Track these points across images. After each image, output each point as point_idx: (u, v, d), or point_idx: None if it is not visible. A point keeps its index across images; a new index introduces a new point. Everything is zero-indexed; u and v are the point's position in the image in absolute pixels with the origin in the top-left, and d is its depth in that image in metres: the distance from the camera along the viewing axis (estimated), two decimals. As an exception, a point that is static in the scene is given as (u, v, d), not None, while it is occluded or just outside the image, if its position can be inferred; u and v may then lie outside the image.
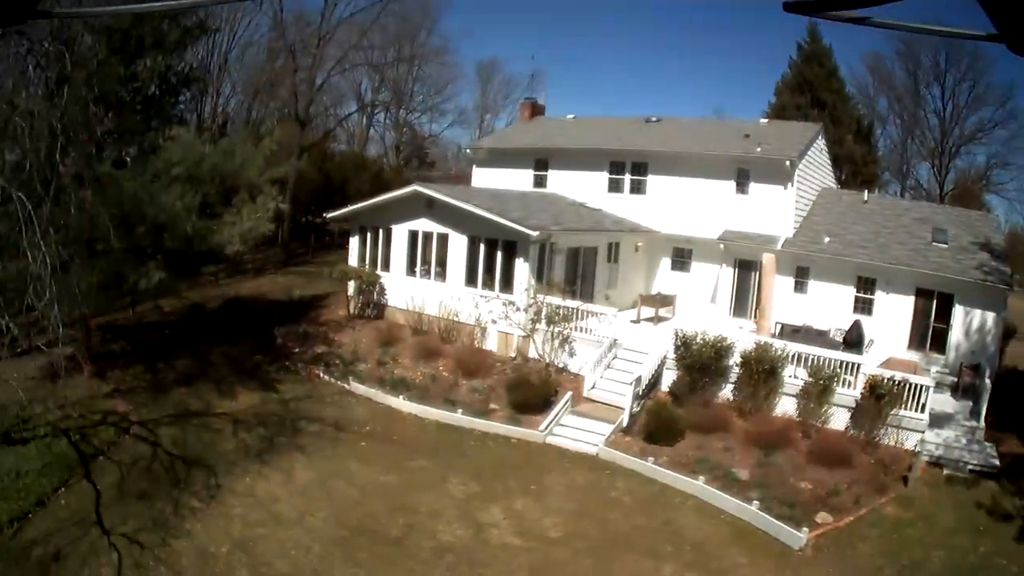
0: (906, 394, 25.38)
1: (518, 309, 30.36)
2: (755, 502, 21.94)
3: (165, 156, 28.03)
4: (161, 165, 27.72)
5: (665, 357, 28.87)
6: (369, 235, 37.27)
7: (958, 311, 32.68)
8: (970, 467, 24.17)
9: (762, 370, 26.62)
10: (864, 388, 25.83)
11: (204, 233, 28.36)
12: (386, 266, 36.58)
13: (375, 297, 36.95)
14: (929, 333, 33.59)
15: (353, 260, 38.04)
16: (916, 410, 25.36)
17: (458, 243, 33.81)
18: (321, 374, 31.26)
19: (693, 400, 26.99)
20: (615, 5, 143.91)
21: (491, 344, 32.60)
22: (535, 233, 30.57)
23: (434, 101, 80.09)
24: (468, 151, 52.10)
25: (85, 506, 20.63)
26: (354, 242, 38.14)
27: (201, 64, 45.78)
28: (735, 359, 27.61)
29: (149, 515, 20.44)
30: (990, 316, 32.12)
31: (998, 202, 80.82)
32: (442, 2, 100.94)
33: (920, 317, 33.83)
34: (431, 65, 76.21)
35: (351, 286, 37.29)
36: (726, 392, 27.97)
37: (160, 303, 37.83)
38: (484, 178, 45.58)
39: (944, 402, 28.28)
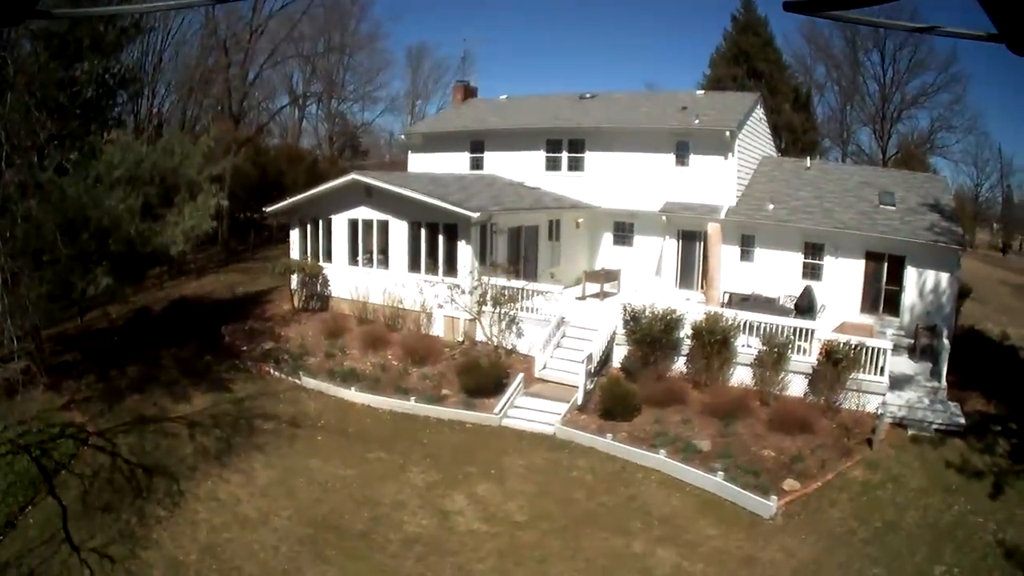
0: (864, 358, 25.18)
1: (463, 292, 30.08)
2: (719, 472, 21.67)
3: (106, 159, 27.46)
4: (102, 168, 27.13)
5: (615, 333, 28.53)
6: (309, 227, 36.83)
7: (910, 273, 32.48)
8: (935, 426, 23.98)
9: (714, 341, 26.32)
10: (820, 354, 25.60)
11: (148, 235, 27.70)
12: (328, 257, 36.14)
13: (319, 289, 36.56)
14: (882, 296, 33.42)
15: (295, 253, 37.59)
16: (875, 373, 25.19)
17: (399, 229, 33.40)
18: (271, 370, 30.75)
19: (646, 374, 26.69)
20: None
21: (438, 329, 32.24)
22: (476, 215, 30.22)
23: (366, 90, 79.80)
24: (403, 137, 51.69)
25: (53, 523, 20.26)
26: (295, 235, 37.71)
27: (136, 64, 45.08)
28: (686, 331, 27.33)
29: (116, 527, 20.17)
30: (944, 276, 31.92)
31: (944, 164, 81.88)
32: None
33: (871, 280, 33.64)
34: (362, 54, 76.07)
35: (294, 279, 36.83)
36: (679, 365, 27.72)
37: (107, 310, 37.58)
38: (420, 163, 45.22)
39: (902, 364, 28.12)
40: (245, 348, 32.85)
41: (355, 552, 19.18)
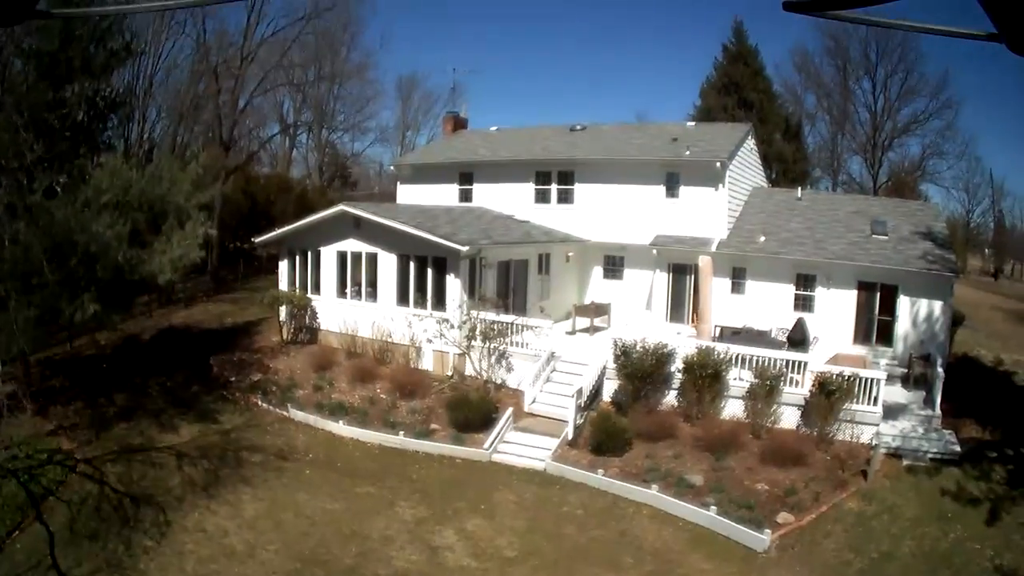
0: (857, 388, 25.00)
1: (452, 326, 29.83)
2: (712, 507, 21.42)
3: (94, 183, 27.29)
4: (91, 193, 26.98)
5: (605, 367, 28.32)
6: (298, 258, 36.61)
7: (903, 302, 32.40)
8: (930, 455, 23.87)
9: (706, 375, 26.13)
10: (813, 385, 25.44)
11: (135, 262, 27.46)
12: (316, 289, 35.89)
13: (307, 321, 36.32)
14: (875, 326, 33.30)
15: (283, 284, 37.34)
16: (869, 403, 25.02)
17: (388, 262, 33.20)
18: (259, 402, 30.55)
19: (637, 408, 26.50)
20: (533, 14, 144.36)
21: (427, 364, 31.98)
22: (465, 248, 30.01)
23: (355, 119, 79.38)
24: (392, 168, 51.56)
25: (40, 548, 19.89)
26: (283, 266, 37.48)
27: (127, 88, 44.97)
28: (677, 365, 27.11)
29: (103, 556, 19.92)
30: (937, 305, 31.84)
31: (935, 191, 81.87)
32: (362, 18, 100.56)
33: (864, 311, 33.53)
34: (352, 83, 75.69)
35: (283, 311, 36.57)
36: (670, 399, 27.52)
37: (96, 336, 37.25)
38: (409, 195, 44.99)
39: (896, 394, 27.99)
40: (233, 379, 32.61)
41: (343, 588, 18.83)
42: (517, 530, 21.23)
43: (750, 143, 41.45)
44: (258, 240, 38.53)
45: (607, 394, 28.43)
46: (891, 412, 25.83)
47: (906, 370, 30.15)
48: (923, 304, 32.09)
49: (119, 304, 30.60)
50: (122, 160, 29.36)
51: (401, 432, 27.12)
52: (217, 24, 58.34)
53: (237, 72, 54.03)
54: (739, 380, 26.74)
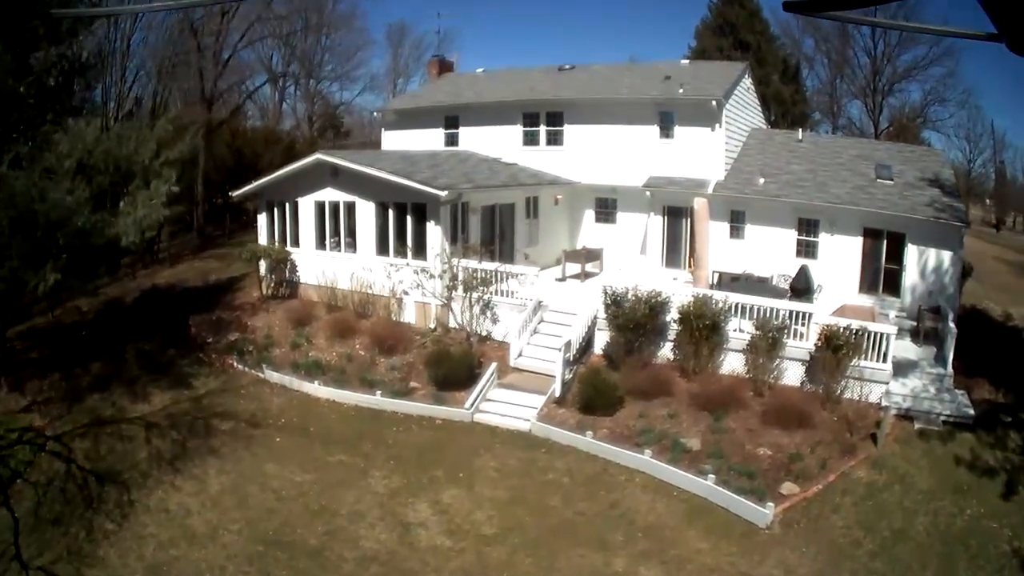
0: (866, 343, 23.39)
1: (432, 276, 28.48)
2: (710, 475, 19.80)
3: (57, 149, 26.14)
4: (54, 159, 25.91)
5: (596, 317, 26.79)
6: (276, 211, 35.33)
7: (911, 251, 30.85)
8: (943, 418, 22.38)
9: (703, 326, 24.47)
10: (819, 339, 23.79)
11: (101, 226, 26.16)
12: (296, 242, 34.64)
13: (287, 275, 35.05)
14: (881, 275, 31.79)
15: (263, 238, 36.07)
16: (878, 360, 23.40)
17: (366, 211, 31.79)
18: (235, 363, 29.39)
19: (630, 362, 24.94)
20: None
21: (409, 316, 30.64)
22: (444, 193, 28.48)
23: (344, 69, 78.38)
24: (376, 115, 49.81)
25: (5, 536, 18.62)
26: (262, 219, 36.17)
27: (98, 51, 43.80)
28: (672, 315, 25.54)
29: (65, 542, 18.74)
30: (946, 255, 30.26)
31: (936, 139, 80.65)
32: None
33: (870, 259, 32.00)
34: (340, 33, 74.49)
35: (263, 266, 35.35)
36: (665, 351, 26.00)
37: (79, 303, 36.42)
38: (394, 142, 43.67)
39: (905, 348, 26.33)
40: (211, 340, 31.42)
41: (306, 573, 17.48)
42: (497, 502, 19.71)
43: (747, 82, 39.90)
44: (236, 193, 37.20)
45: (598, 346, 26.94)
46: (900, 369, 24.22)
47: (915, 323, 28.58)
48: (931, 254, 30.60)
49: (85, 271, 29.66)
50: (86, 123, 28.03)
51: (379, 392, 25.72)
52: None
53: (218, 27, 52.78)
54: (739, 332, 25.18)
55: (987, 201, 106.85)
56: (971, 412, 22.44)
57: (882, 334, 23.48)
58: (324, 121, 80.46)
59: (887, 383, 23.34)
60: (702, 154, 34.29)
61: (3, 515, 19.41)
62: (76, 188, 25.08)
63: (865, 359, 23.41)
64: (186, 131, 42.85)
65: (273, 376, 28.09)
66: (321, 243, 33.83)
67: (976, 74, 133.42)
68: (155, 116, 43.25)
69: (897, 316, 29.41)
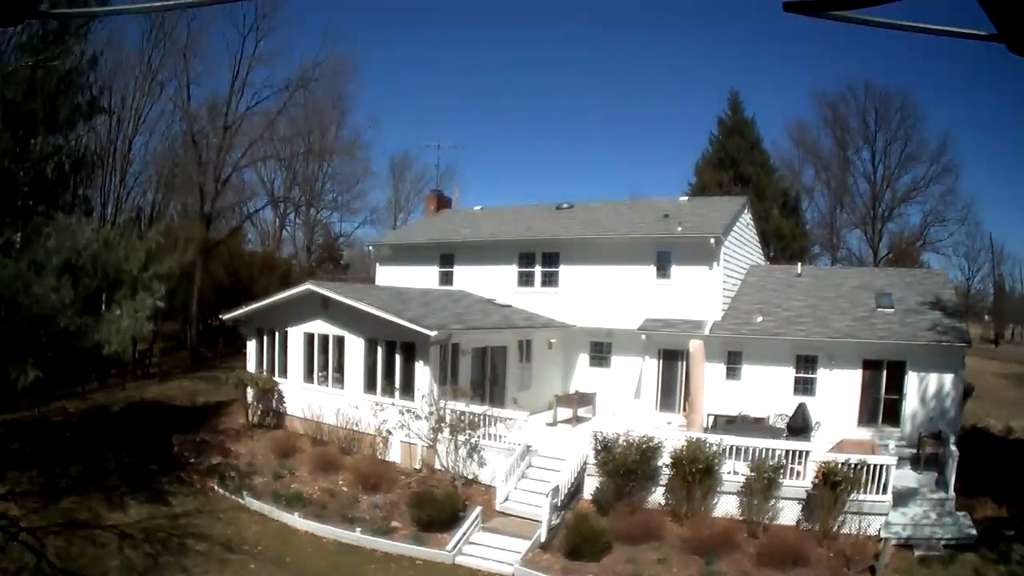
0: (865, 476, 23.05)
1: (418, 417, 27.95)
2: (699, 625, 19.07)
3: (49, 243, 26.24)
4: (42, 254, 25.92)
5: (585, 462, 26.25)
6: (266, 338, 35.29)
7: (911, 378, 30.58)
8: (944, 543, 21.99)
9: (696, 470, 23.95)
10: (816, 476, 23.34)
11: (85, 331, 26.11)
12: (283, 372, 34.45)
13: (274, 405, 34.72)
14: (880, 406, 31.36)
15: (251, 365, 36.06)
16: (878, 492, 23.09)
17: (355, 346, 31.61)
18: (215, 487, 29.11)
19: (620, 508, 24.31)
20: (524, 94, 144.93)
21: (394, 455, 30.08)
22: (434, 333, 28.22)
23: (345, 199, 78.93)
24: (371, 248, 49.74)
25: None
26: (251, 346, 36.15)
27: (104, 149, 44.13)
28: (664, 459, 24.95)
29: None
30: (948, 378, 30.02)
31: (936, 260, 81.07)
32: (351, 95, 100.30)
33: (869, 390, 31.58)
34: (342, 161, 74.88)
35: (250, 393, 34.96)
36: (657, 496, 25.33)
37: (66, 404, 36.96)
38: (389, 276, 43.59)
39: (906, 477, 25.98)
40: (193, 460, 31.38)
41: None
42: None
43: (746, 217, 39.94)
44: (226, 316, 37.21)
45: (588, 491, 26.28)
46: (901, 498, 23.84)
47: (915, 450, 28.30)
48: (932, 379, 30.30)
49: (69, 373, 29.52)
50: (77, 221, 27.91)
51: (359, 528, 25.14)
52: (203, 92, 57.70)
53: (220, 142, 53.03)
54: (734, 474, 24.64)
55: (986, 317, 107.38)
56: (973, 532, 22.23)
57: (882, 466, 23.21)
58: (323, 252, 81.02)
59: (887, 514, 22.96)
60: (699, 294, 34.01)
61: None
62: (61, 287, 25.04)
63: (864, 492, 23.06)
64: (180, 245, 42.97)
65: (253, 504, 27.67)
66: (309, 376, 33.55)
67: (976, 188, 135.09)
68: (151, 225, 43.43)
69: (897, 445, 29.07)
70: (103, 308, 27.79)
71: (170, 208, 58.23)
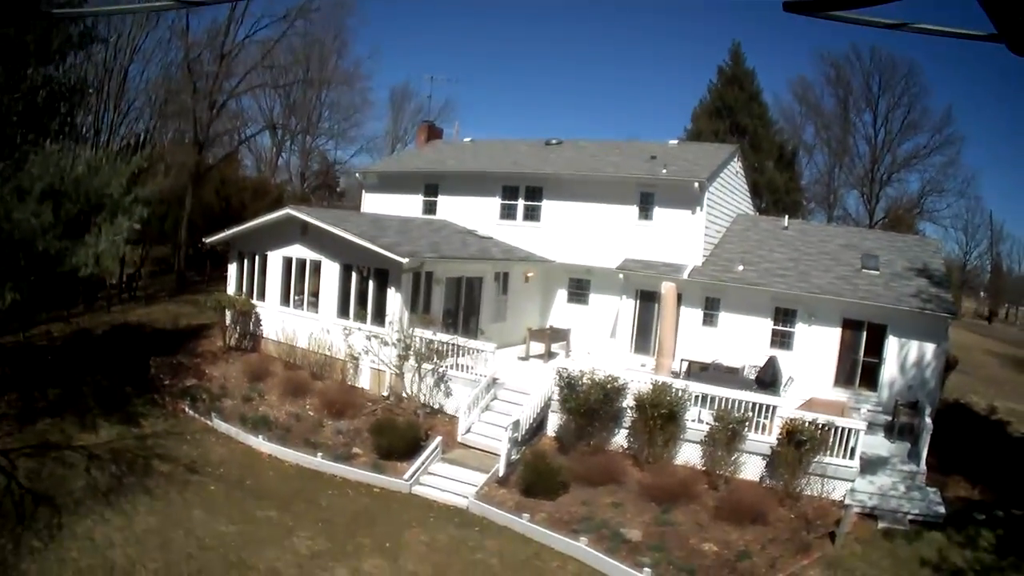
0: (832, 438, 22.65)
1: (386, 343, 27.95)
2: (646, 568, 18.82)
3: (33, 170, 25.82)
4: (27, 180, 25.53)
5: (550, 398, 26.13)
6: (247, 262, 35.15)
7: (892, 343, 30.18)
8: (910, 517, 21.48)
9: (659, 414, 23.65)
10: (781, 433, 22.99)
11: (63, 254, 25.83)
12: (262, 295, 34.38)
13: (251, 328, 34.77)
14: (859, 368, 31.03)
15: (231, 288, 36.03)
16: (844, 456, 22.63)
17: (331, 271, 31.55)
18: (187, 409, 29.18)
19: (581, 447, 24.29)
20: (533, 31, 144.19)
21: (364, 382, 30.13)
22: (406, 260, 28.07)
23: (342, 127, 78.26)
24: (358, 175, 49.50)
25: None
26: (232, 269, 36.08)
27: (99, 77, 43.80)
28: (628, 401, 24.74)
29: None
30: (929, 348, 29.61)
31: (932, 230, 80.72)
32: (351, 28, 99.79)
33: (848, 351, 31.26)
34: (341, 90, 74.45)
35: (228, 316, 35.07)
36: (620, 439, 25.20)
37: (50, 327, 37.23)
38: (374, 204, 43.41)
39: (878, 444, 25.80)
40: (168, 383, 31.37)
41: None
42: (419, 576, 18.92)
43: (736, 166, 39.59)
44: (209, 240, 37.21)
45: (551, 429, 26.22)
46: (870, 466, 23.50)
47: (890, 418, 27.98)
48: (914, 346, 29.88)
49: (49, 298, 29.46)
50: (62, 148, 27.74)
51: (320, 454, 25.18)
52: (202, 21, 57.25)
53: (216, 69, 52.67)
54: (698, 422, 24.36)
55: (981, 294, 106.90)
56: (942, 511, 21.66)
57: (850, 429, 22.74)
58: (319, 179, 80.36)
59: (853, 480, 22.54)
60: (681, 238, 33.74)
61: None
62: (42, 212, 24.89)
63: (830, 455, 22.64)
64: (169, 168, 42.73)
65: (221, 426, 27.80)
66: (286, 299, 33.58)
67: (977, 163, 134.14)
68: (142, 150, 43.17)
69: (871, 410, 28.76)
70: (85, 234, 27.76)
71: (165, 135, 57.69)
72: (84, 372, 31.28)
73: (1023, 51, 2.45)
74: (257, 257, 34.44)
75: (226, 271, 37.66)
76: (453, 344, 28.12)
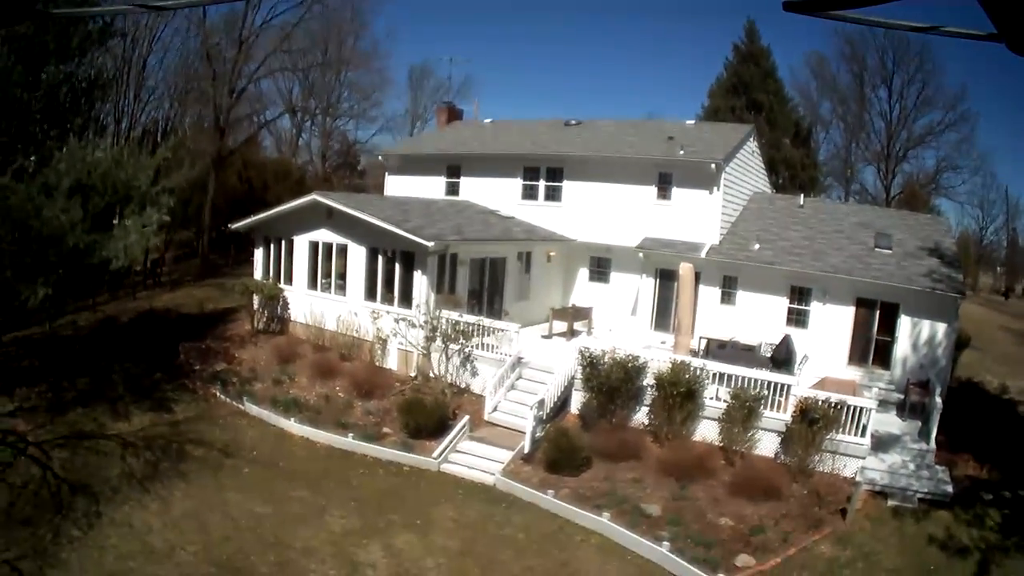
0: (844, 417, 23.13)
1: (413, 325, 28.56)
2: (665, 542, 19.52)
3: (58, 167, 26.20)
4: (53, 177, 25.90)
5: (574, 376, 26.69)
6: (272, 247, 35.65)
7: (904, 322, 30.56)
8: (919, 496, 21.89)
9: (678, 392, 24.25)
10: (795, 411, 23.53)
11: (94, 247, 26.34)
12: (289, 279, 34.89)
13: (279, 311, 35.26)
14: (872, 346, 31.38)
15: (258, 273, 36.46)
16: (856, 434, 23.11)
17: (358, 255, 32.06)
18: (217, 393, 29.53)
19: (603, 424, 24.85)
20: (549, 8, 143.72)
21: (392, 363, 30.70)
22: (432, 243, 28.63)
23: (362, 107, 77.88)
24: (380, 158, 49.87)
25: None
26: (258, 254, 36.53)
27: (107, 71, 44.08)
28: (648, 380, 25.35)
29: (31, 542, 18.89)
30: (941, 327, 29.96)
31: (948, 206, 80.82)
32: (369, 10, 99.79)
33: (861, 329, 31.63)
34: (360, 71, 74.32)
35: (255, 300, 35.47)
36: (641, 415, 25.74)
37: (76, 317, 37.28)
38: (397, 186, 43.82)
39: (889, 422, 26.20)
40: (197, 368, 31.67)
41: (253, 598, 17.53)
42: (449, 551, 19.61)
43: (751, 145, 39.86)
44: (234, 226, 37.44)
45: (575, 406, 26.79)
46: (881, 444, 23.92)
47: (902, 396, 28.30)
48: (925, 325, 30.21)
49: (78, 289, 29.90)
50: (88, 143, 28.22)
51: (351, 434, 25.78)
52: (221, 7, 57.43)
53: (235, 55, 53.09)
54: (716, 399, 24.94)
55: (997, 269, 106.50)
56: (949, 489, 21.99)
57: (861, 408, 23.19)
58: (339, 158, 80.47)
59: (864, 458, 22.94)
60: (698, 217, 34.17)
61: (-25, 511, 19.78)
62: (71, 208, 25.24)
63: (842, 433, 23.08)
64: (192, 157, 43.16)
65: (252, 409, 28.19)
66: (313, 283, 34.04)
67: (992, 140, 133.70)
68: (166, 140, 43.54)
69: (884, 388, 29.18)
70: (114, 224, 28.17)
71: (185, 121, 58.05)
72: (112, 360, 31.51)
73: (1023, 51, 2.45)
74: (283, 241, 34.89)
75: (250, 254, 38.13)
76: (479, 324, 28.59)
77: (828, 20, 2.62)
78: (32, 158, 26.97)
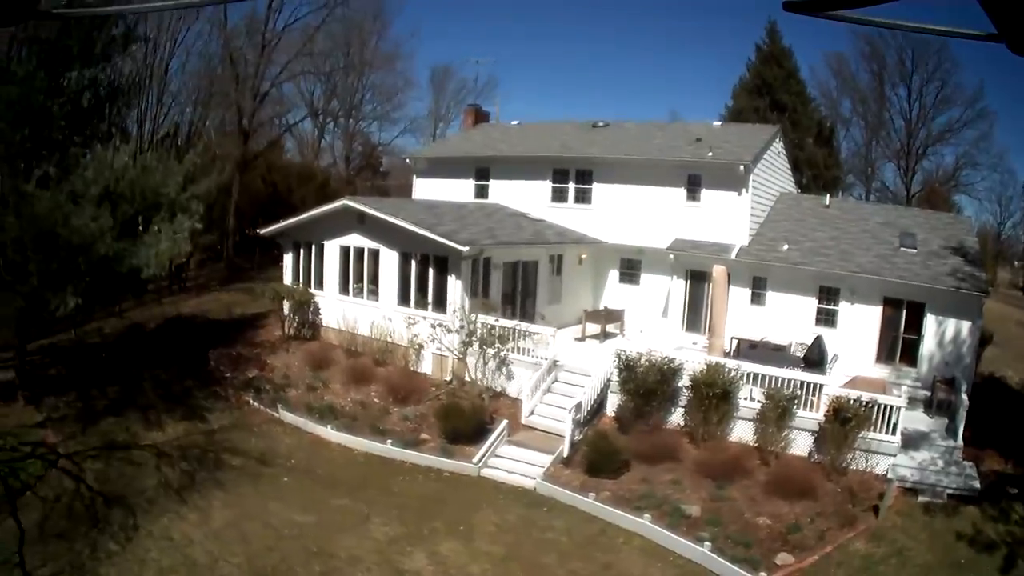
0: (875, 415, 23.22)
1: (449, 330, 28.64)
2: (706, 543, 19.72)
3: (85, 175, 26.50)
4: (79, 184, 26.17)
5: (609, 379, 26.79)
6: (303, 251, 35.75)
7: (930, 321, 30.61)
8: (948, 492, 22.11)
9: (713, 394, 24.41)
10: (828, 411, 23.63)
11: (124, 255, 26.53)
12: (320, 284, 35.01)
13: (310, 317, 35.26)
14: (899, 345, 31.47)
15: (288, 278, 36.51)
16: (886, 432, 23.24)
17: (390, 259, 32.14)
18: (251, 401, 29.65)
19: (640, 427, 25.00)
20: (568, 7, 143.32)
21: (426, 367, 30.82)
22: (466, 248, 28.73)
23: (384, 109, 77.79)
24: (408, 161, 49.95)
25: (10, 546, 18.80)
26: (288, 259, 36.60)
27: (131, 76, 44.13)
28: (684, 381, 25.51)
29: (68, 558, 18.79)
30: (965, 325, 30.01)
31: (967, 203, 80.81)
32: (391, 10, 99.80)
33: (888, 328, 31.72)
34: (382, 72, 74.15)
35: (286, 306, 35.55)
36: (676, 417, 25.91)
37: (102, 324, 37.14)
38: (425, 189, 43.77)
39: (917, 420, 26.38)
40: (228, 375, 31.75)
41: (300, 611, 17.62)
42: (493, 557, 19.76)
43: (777, 146, 39.92)
44: (264, 231, 37.53)
45: (611, 409, 26.91)
46: (911, 441, 24.09)
47: (929, 394, 28.45)
48: (950, 324, 30.26)
49: (107, 297, 29.95)
50: (114, 150, 28.28)
51: (389, 440, 25.88)
52: (241, 10, 57.53)
53: (257, 59, 53.21)
54: (750, 400, 25.11)
55: (1015, 264, 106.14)
56: (977, 485, 22.23)
57: (891, 407, 23.32)
58: (363, 160, 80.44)
59: (894, 455, 23.11)
60: (727, 219, 34.25)
61: (10, 526, 19.61)
62: (100, 215, 25.44)
63: (873, 431, 23.22)
64: (218, 162, 43.23)
65: (287, 417, 28.28)
66: (344, 288, 34.08)
67: (1010, 138, 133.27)
68: (190, 145, 43.69)
69: (911, 385, 29.25)
70: (140, 231, 28.15)
71: (207, 124, 58.19)
72: (141, 368, 31.49)
73: (1023, 51, 2.41)
74: (313, 246, 34.97)
75: (275, 257, 38.38)
76: (516, 328, 28.72)
77: (829, 20, 2.63)
78: (56, 166, 27.01)
